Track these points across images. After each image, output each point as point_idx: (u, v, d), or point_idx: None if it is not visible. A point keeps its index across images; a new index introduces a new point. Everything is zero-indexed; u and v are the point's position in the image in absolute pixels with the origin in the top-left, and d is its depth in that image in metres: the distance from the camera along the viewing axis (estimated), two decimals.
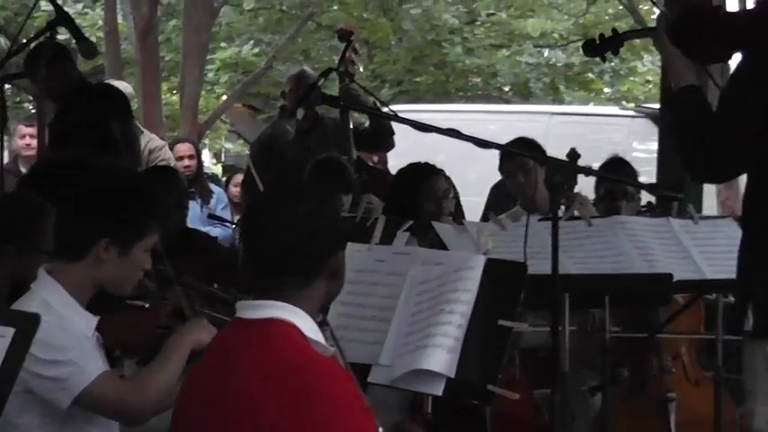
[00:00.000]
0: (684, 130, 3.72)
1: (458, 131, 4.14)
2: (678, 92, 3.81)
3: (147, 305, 3.92)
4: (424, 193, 5.94)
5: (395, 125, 7.32)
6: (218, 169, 23.42)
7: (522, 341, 5.51)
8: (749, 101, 3.56)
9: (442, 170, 6.17)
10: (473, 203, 7.79)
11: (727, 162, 3.65)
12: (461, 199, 7.80)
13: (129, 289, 3.60)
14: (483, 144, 4.17)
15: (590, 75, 23.56)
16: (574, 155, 6.09)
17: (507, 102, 22.42)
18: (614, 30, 4.41)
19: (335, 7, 21.22)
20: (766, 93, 3.54)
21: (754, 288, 3.62)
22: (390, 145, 7.71)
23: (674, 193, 5.27)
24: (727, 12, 3.95)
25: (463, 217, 6.45)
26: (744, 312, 3.61)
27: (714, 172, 3.82)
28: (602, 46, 4.39)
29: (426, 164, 6.19)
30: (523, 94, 23.11)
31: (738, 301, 3.69)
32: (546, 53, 23.34)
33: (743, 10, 4.05)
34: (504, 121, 14.51)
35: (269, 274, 3.01)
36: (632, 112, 14.91)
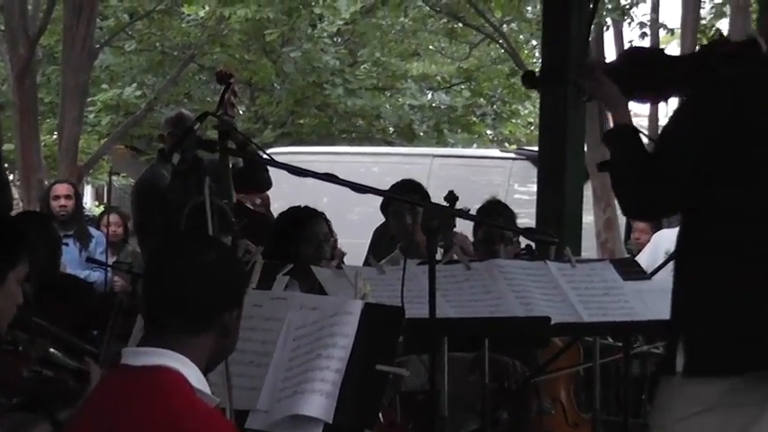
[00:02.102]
0: (621, 167, 3.70)
1: (335, 176, 4.14)
2: (615, 129, 3.81)
3: (20, 348, 3.88)
4: (303, 237, 5.91)
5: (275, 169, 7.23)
6: (99, 211, 23.14)
7: (402, 385, 5.50)
8: (689, 142, 3.57)
9: (323, 213, 6.15)
10: (355, 246, 7.79)
11: (663, 201, 3.63)
12: (342, 241, 7.81)
13: (5, 324, 3.56)
14: (359, 189, 4.17)
15: (473, 117, 23.76)
16: (452, 198, 6.16)
17: (391, 144, 22.54)
18: (553, 66, 4.44)
19: (217, 49, 21.16)
20: (706, 135, 3.52)
21: (687, 328, 3.60)
22: (267, 182, 7.58)
23: (550, 237, 5.33)
24: (670, 54, 3.98)
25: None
26: (674, 352, 3.59)
27: (649, 210, 3.82)
28: (539, 79, 4.43)
29: (306, 207, 6.15)
30: (407, 136, 23.24)
31: (670, 340, 3.67)
32: (429, 95, 23.52)
33: (686, 54, 4.14)
34: (388, 163, 14.63)
35: (158, 320, 3.00)
36: (513, 155, 15.09)
